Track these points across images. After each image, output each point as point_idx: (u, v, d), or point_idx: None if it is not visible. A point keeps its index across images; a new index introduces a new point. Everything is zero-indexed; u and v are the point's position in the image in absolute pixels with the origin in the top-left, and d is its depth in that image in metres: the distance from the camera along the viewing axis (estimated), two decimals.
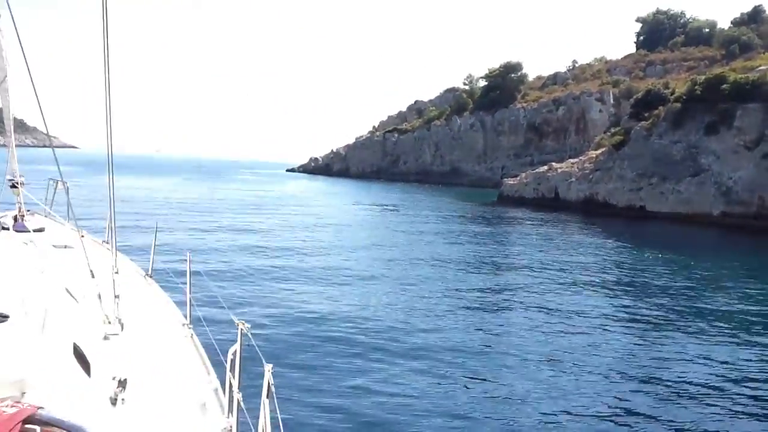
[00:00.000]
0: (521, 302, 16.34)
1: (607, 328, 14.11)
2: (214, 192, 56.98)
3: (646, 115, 46.97)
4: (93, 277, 5.71)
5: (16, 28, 4.90)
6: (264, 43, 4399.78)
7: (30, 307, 3.19)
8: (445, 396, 9.60)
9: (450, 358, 11.37)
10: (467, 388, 10.04)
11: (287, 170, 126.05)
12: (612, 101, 71.58)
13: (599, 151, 49.54)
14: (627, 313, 15.77)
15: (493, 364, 11.26)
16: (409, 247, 25.99)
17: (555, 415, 9.08)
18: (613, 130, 51.91)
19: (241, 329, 4.47)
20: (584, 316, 14.99)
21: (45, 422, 1.38)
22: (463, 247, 26.60)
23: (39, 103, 4.98)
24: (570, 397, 9.75)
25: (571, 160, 52.68)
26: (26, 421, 1.36)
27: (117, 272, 5.81)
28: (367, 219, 38.21)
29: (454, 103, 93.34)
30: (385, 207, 47.07)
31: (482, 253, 25.24)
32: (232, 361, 4.51)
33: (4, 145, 8.50)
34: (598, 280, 20.00)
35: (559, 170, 51.32)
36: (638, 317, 15.29)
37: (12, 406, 1.41)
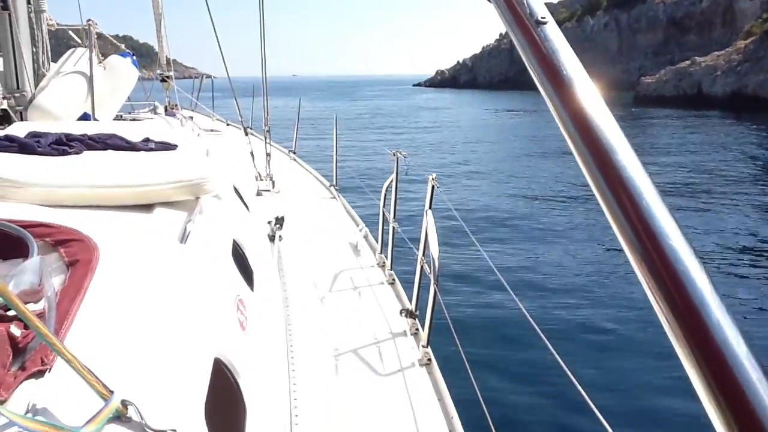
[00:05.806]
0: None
1: None
2: (349, 108, 58.91)
3: None
4: (246, 135, 6.25)
5: None
6: None
7: (192, 142, 3.21)
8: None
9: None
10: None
11: (413, 85, 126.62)
12: None
13: (749, 41, 46.18)
14: None
15: None
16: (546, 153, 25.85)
17: None
18: (765, 16, 47.99)
19: (397, 157, 4.26)
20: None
21: None
22: None
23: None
24: None
25: (717, 53, 49.46)
26: None
27: (269, 130, 6.49)
28: (504, 126, 38.49)
29: (585, 2, 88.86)
30: (516, 113, 47.01)
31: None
32: (386, 195, 4.41)
33: (149, 79, 9.68)
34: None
35: (703, 64, 48.55)
36: None
37: None
